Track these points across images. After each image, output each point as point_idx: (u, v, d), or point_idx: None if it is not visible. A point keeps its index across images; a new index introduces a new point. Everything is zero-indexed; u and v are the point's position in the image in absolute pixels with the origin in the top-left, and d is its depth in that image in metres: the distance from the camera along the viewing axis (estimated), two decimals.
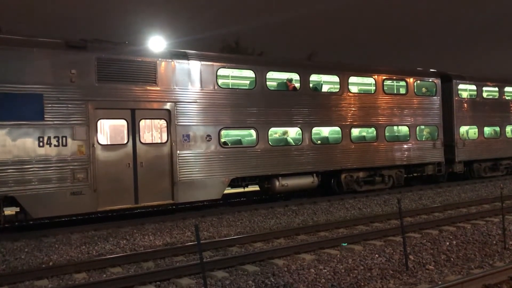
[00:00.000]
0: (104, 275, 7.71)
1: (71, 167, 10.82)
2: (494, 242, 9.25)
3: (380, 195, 15.60)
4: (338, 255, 8.18)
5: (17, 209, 10.92)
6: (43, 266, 8.22)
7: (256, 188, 15.38)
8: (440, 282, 6.82)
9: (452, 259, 8.30)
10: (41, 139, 10.51)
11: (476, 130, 19.58)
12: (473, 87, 19.70)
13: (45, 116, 10.59)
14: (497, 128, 20.39)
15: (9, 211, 11.13)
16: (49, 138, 10.61)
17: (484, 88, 20.05)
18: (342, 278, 7.16)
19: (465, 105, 19.16)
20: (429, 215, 12.30)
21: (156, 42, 21.25)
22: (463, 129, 19.16)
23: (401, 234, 8.04)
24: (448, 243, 8.96)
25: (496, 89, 20.53)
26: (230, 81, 14.32)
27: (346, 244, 8.08)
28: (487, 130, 20.14)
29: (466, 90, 19.78)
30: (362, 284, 7.07)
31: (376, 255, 8.13)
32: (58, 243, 9.76)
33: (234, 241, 9.56)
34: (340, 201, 14.52)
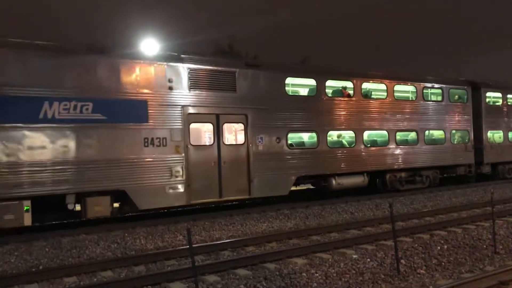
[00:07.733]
0: (95, 279, 7.65)
1: (170, 165, 12.18)
2: (485, 246, 9.33)
3: (371, 199, 15.71)
4: (330, 259, 8.19)
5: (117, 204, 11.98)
6: (33, 270, 8.14)
7: None
8: (431, 286, 6.86)
9: (443, 263, 8.35)
10: (146, 140, 11.83)
11: (502, 134, 21.08)
12: (499, 94, 21.31)
13: (149, 119, 11.95)
14: None
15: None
16: (152, 139, 11.98)
17: (509, 96, 21.52)
18: (333, 282, 7.17)
19: (492, 111, 20.64)
20: (420, 220, 12.35)
21: (149, 45, 21.20)
22: (490, 133, 20.50)
23: (392, 239, 8.09)
24: (439, 248, 9.01)
25: None
26: (295, 89, 15.77)
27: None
28: (511, 134, 21.43)
29: (492, 97, 21.20)
30: None
31: (368, 259, 8.15)
32: (48, 247, 9.67)
33: (226, 245, 9.53)
34: (332, 205, 14.57)
